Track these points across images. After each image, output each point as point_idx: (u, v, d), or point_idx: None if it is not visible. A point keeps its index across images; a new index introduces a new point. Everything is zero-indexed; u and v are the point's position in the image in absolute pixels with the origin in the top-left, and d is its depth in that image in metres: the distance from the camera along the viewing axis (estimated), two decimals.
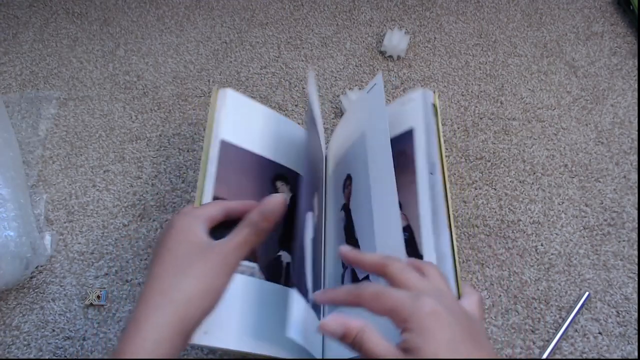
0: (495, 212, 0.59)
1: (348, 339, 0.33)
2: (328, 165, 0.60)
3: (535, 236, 0.57)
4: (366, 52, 0.73)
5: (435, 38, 0.74)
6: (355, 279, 0.46)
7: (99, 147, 0.65)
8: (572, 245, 0.57)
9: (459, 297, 0.39)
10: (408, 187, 0.46)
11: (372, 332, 0.33)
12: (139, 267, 0.56)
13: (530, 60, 0.72)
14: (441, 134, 0.47)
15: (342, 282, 0.47)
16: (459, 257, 0.53)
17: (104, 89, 0.70)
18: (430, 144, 0.47)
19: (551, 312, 0.53)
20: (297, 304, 0.39)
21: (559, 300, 0.53)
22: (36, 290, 0.55)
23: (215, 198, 0.44)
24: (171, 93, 0.70)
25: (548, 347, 0.50)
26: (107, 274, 0.56)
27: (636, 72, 0.70)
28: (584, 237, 0.57)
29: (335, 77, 0.71)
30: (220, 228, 0.40)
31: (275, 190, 0.49)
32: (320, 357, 0.48)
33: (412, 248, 0.44)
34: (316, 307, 0.44)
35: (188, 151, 0.64)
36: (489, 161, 0.63)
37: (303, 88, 0.70)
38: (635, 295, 0.53)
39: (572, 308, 0.52)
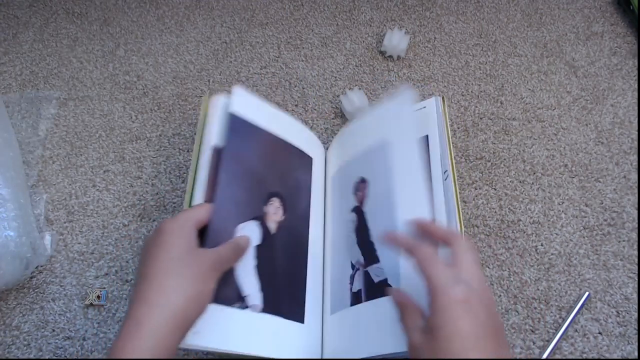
0: (495, 212, 0.59)
1: (397, 308, 0.38)
2: (328, 166, 0.60)
3: (535, 236, 0.57)
4: (366, 52, 0.73)
5: (435, 38, 0.74)
6: (368, 280, 0.46)
7: (99, 147, 0.65)
8: (572, 245, 0.57)
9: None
10: None
11: (409, 310, 0.37)
12: None
13: (530, 60, 0.72)
14: (450, 140, 0.49)
15: (352, 283, 0.48)
16: None
17: (104, 89, 0.70)
18: (444, 151, 0.49)
19: (551, 312, 0.53)
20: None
21: (559, 300, 0.53)
22: (36, 290, 0.55)
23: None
24: (171, 93, 0.70)
25: (548, 347, 0.50)
26: (107, 274, 0.56)
27: (636, 72, 0.70)
28: (584, 237, 0.57)
29: (335, 77, 0.71)
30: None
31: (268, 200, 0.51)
32: (320, 357, 0.48)
33: None
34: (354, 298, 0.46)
35: (188, 151, 0.64)
36: (489, 161, 0.63)
37: (303, 88, 0.70)
38: (635, 295, 0.53)
39: (572, 308, 0.52)
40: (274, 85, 0.70)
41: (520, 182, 0.61)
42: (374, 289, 0.45)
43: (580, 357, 0.50)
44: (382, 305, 0.43)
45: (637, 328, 0.51)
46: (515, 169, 0.62)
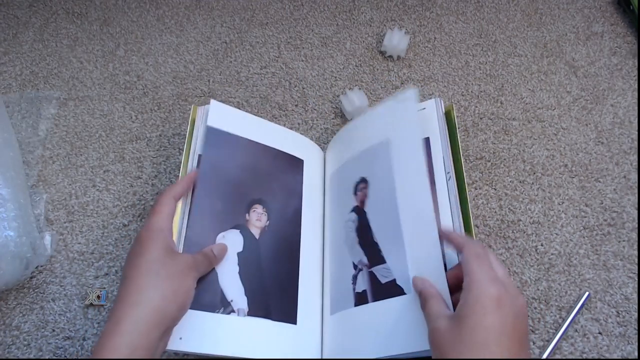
0: (495, 212, 0.59)
1: (421, 295, 0.40)
2: (327, 166, 0.60)
3: (535, 236, 0.57)
4: (366, 52, 0.73)
5: (435, 38, 0.74)
6: (374, 281, 0.46)
7: (99, 147, 0.65)
8: (572, 245, 0.57)
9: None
10: None
11: (436, 299, 0.38)
12: None
13: (530, 60, 0.72)
14: (458, 142, 0.50)
15: (354, 284, 0.48)
16: None
17: (104, 89, 0.70)
18: (445, 153, 0.50)
19: (551, 312, 0.53)
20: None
21: (559, 300, 0.53)
22: (36, 290, 0.55)
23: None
24: (171, 93, 0.70)
25: (548, 347, 0.50)
26: (107, 274, 0.56)
27: (636, 72, 0.70)
28: (584, 237, 0.57)
29: (335, 77, 0.71)
30: None
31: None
32: (320, 357, 0.48)
33: None
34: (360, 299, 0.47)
35: None
36: (489, 161, 0.63)
37: (303, 88, 0.70)
38: (635, 295, 0.53)
39: (572, 308, 0.52)
40: (274, 85, 0.70)
41: (520, 182, 0.61)
42: (382, 290, 0.45)
43: (580, 357, 0.50)
44: (393, 306, 0.43)
45: (637, 328, 0.51)
46: (515, 169, 0.62)
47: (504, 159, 0.63)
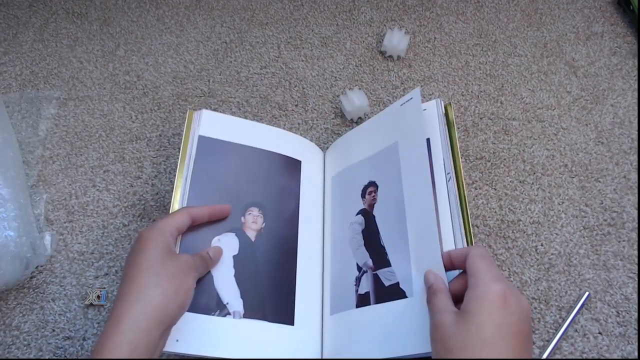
0: (495, 212, 0.59)
1: (430, 289, 0.40)
2: (327, 167, 0.60)
3: (535, 236, 0.57)
4: (366, 52, 0.73)
5: (435, 38, 0.74)
6: (377, 283, 0.47)
7: (99, 147, 0.65)
8: (572, 245, 0.57)
9: None
10: None
11: (445, 294, 0.38)
12: None
13: (530, 60, 0.72)
14: (456, 143, 0.50)
15: (358, 285, 0.48)
16: None
17: (104, 89, 0.70)
18: (446, 154, 0.50)
19: (551, 312, 0.53)
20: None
21: (559, 300, 0.53)
22: (36, 290, 0.55)
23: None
24: (171, 93, 0.70)
25: (548, 347, 0.50)
26: (107, 274, 0.56)
27: (636, 72, 0.70)
28: (584, 237, 0.57)
29: (335, 77, 0.71)
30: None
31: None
32: (320, 357, 0.48)
33: None
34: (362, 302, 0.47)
35: None
36: (489, 161, 0.63)
37: (303, 88, 0.70)
38: (635, 295, 0.53)
39: (572, 308, 0.52)
40: (274, 85, 0.70)
41: (520, 182, 0.61)
42: (385, 292, 0.45)
43: (580, 357, 0.50)
44: (395, 308, 0.44)
45: (637, 328, 0.51)
46: (515, 169, 0.62)
47: (504, 159, 0.63)
